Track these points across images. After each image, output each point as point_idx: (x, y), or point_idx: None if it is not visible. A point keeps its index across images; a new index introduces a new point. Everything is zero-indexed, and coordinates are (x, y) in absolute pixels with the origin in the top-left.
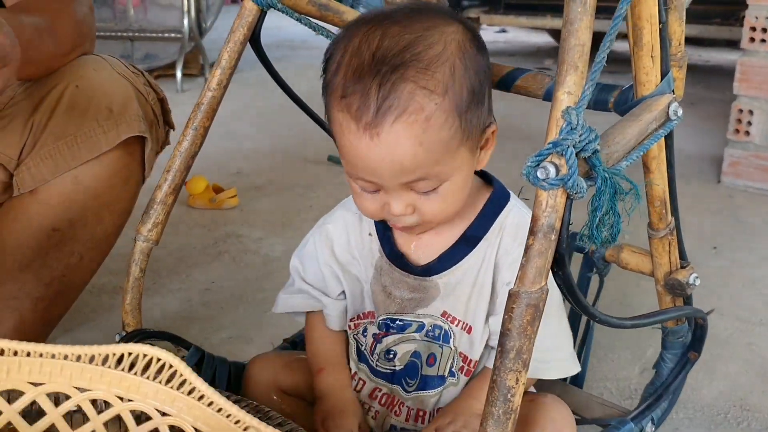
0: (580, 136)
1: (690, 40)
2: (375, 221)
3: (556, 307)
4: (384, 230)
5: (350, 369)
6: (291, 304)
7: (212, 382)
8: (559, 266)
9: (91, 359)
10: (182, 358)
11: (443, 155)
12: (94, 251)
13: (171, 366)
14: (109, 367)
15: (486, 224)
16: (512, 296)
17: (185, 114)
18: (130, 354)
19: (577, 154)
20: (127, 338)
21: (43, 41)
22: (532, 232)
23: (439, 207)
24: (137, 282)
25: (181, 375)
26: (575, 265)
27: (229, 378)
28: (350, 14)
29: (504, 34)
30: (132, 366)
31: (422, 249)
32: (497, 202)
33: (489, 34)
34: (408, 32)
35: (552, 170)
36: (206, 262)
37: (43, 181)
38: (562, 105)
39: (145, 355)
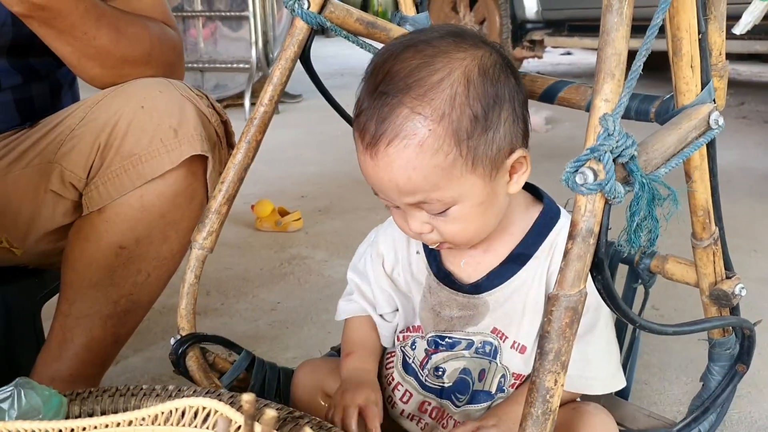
0: (617, 142)
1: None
2: None
3: (603, 323)
4: (431, 249)
5: (394, 379)
6: (348, 310)
7: (262, 386)
8: (597, 270)
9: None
10: (233, 362)
11: (443, 180)
12: (160, 269)
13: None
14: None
15: (536, 242)
16: (551, 299)
17: None
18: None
19: (614, 160)
20: (182, 341)
21: (101, 28)
22: (571, 236)
23: (456, 229)
24: (192, 288)
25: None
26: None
27: (278, 383)
28: (396, 31)
29: (569, 56)
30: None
31: (470, 267)
32: (547, 220)
33: (554, 56)
34: (417, 58)
35: (590, 175)
36: (272, 284)
37: (110, 199)
38: (599, 112)
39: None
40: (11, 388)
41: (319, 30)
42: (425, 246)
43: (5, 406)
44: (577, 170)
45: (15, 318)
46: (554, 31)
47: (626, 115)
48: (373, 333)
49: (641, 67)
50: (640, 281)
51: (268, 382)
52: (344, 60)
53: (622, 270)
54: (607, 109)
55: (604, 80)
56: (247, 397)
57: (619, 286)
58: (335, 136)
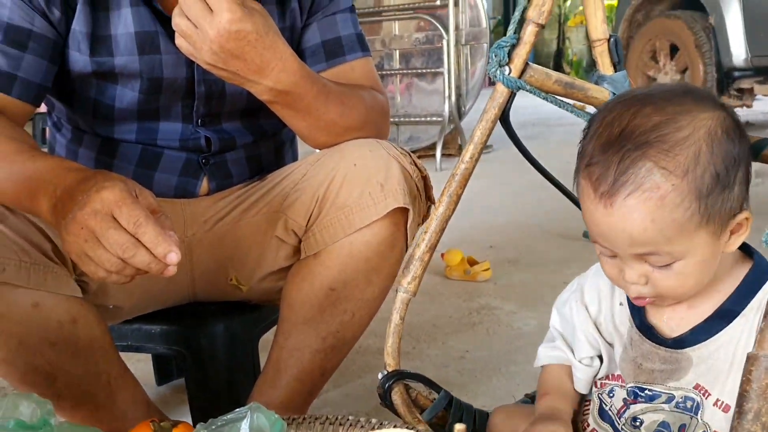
0: None
1: None
2: None
3: None
4: None
5: (589, 425)
6: (549, 357)
7: None
8: None
9: None
10: (433, 399)
11: (677, 235)
12: (363, 311)
13: None
14: None
15: (744, 300)
16: (750, 359)
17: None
18: None
19: None
20: (389, 377)
21: (329, 104)
22: None
23: (674, 283)
24: (397, 328)
25: None
26: None
27: (474, 424)
28: (594, 90)
29: None
30: None
31: (674, 321)
32: (757, 278)
33: (764, 104)
34: (659, 114)
35: None
36: (461, 332)
37: (325, 245)
38: None
39: None
40: (246, 410)
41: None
42: (629, 298)
43: (241, 425)
44: None
45: (237, 347)
46: (765, 79)
47: None
48: (571, 380)
49: None
50: None
51: (465, 422)
52: (534, 111)
53: None
54: None
55: None
56: (459, 427)
57: None
58: (525, 187)
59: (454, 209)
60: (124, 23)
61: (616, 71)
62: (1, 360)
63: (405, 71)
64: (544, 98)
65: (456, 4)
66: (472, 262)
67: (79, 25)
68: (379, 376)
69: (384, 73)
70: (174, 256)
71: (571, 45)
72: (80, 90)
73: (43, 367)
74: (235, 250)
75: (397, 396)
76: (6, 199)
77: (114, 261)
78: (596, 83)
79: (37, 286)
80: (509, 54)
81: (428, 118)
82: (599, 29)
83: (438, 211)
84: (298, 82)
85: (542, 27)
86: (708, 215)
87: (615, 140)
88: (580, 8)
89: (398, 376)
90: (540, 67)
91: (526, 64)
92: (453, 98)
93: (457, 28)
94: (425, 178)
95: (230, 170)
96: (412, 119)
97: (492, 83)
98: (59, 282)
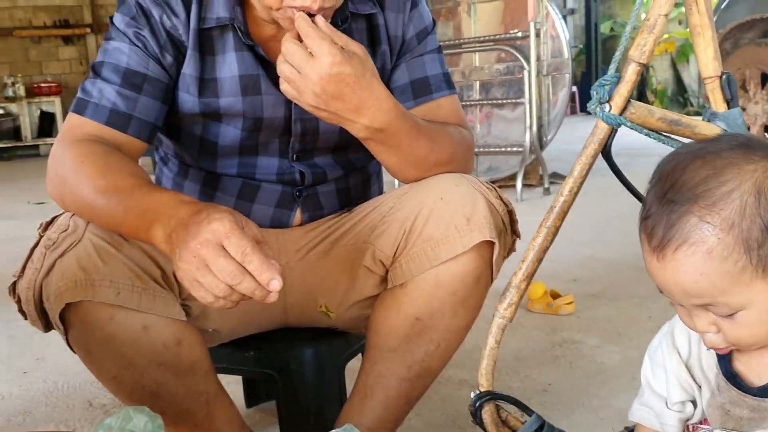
0: None
1: None
2: None
3: None
4: None
5: None
6: (638, 416)
7: None
8: None
9: None
10: (524, 422)
11: (731, 286)
12: (448, 341)
13: None
14: None
15: None
16: None
17: (524, 221)
18: None
19: None
20: (480, 396)
21: (419, 140)
22: None
23: (744, 333)
24: (492, 351)
25: None
26: None
27: None
28: (703, 128)
29: None
30: None
31: (761, 368)
32: None
33: None
34: (707, 168)
35: None
36: (543, 365)
37: (411, 276)
38: None
39: None
40: (341, 430)
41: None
42: None
43: None
44: None
45: (325, 372)
46: None
47: None
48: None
49: None
50: None
51: None
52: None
53: None
54: None
55: None
56: None
57: None
58: (610, 219)
59: (551, 240)
60: (230, 67)
61: (729, 108)
62: (112, 378)
63: (485, 101)
64: (646, 135)
65: (537, 35)
66: (555, 296)
67: (188, 69)
68: (471, 395)
69: (464, 103)
70: (276, 284)
71: (655, 73)
72: (188, 128)
73: (149, 385)
74: (325, 279)
75: (487, 415)
76: (124, 229)
77: (222, 287)
78: (709, 120)
79: (147, 310)
80: (610, 92)
81: (508, 149)
82: (710, 66)
83: (536, 242)
84: (392, 120)
85: (644, 66)
86: (763, 267)
87: (666, 194)
88: (665, 36)
89: (490, 396)
90: (642, 104)
91: (627, 101)
92: (534, 129)
93: (538, 59)
94: (511, 213)
95: (321, 202)
96: (492, 149)
97: (574, 112)
98: (167, 306)
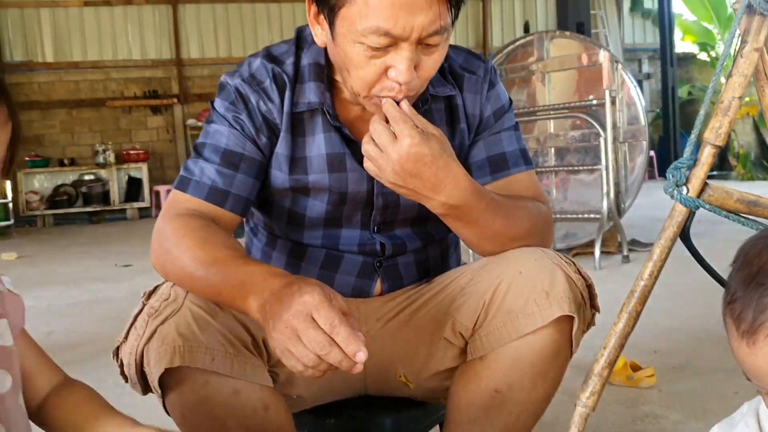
0: None
1: None
2: None
3: None
4: None
5: None
6: None
7: None
8: None
9: None
10: None
11: None
12: (528, 413)
13: None
14: None
15: None
16: None
17: (603, 291)
18: None
19: None
20: None
21: (496, 216)
22: None
23: None
24: None
25: None
26: None
27: None
28: None
29: None
30: None
31: None
32: None
33: None
34: None
35: None
36: None
37: (491, 349)
38: None
39: None
40: None
41: None
42: None
43: None
44: None
45: None
46: None
47: None
48: None
49: None
50: None
51: None
52: None
53: None
54: None
55: None
56: None
57: None
58: (690, 288)
59: (633, 326)
60: (318, 146)
61: None
62: None
63: (560, 167)
64: (725, 216)
65: (613, 102)
66: (635, 368)
67: (281, 148)
68: None
69: (539, 169)
70: (362, 355)
71: (737, 137)
72: (278, 201)
73: None
74: (405, 349)
75: None
76: (221, 298)
77: (312, 357)
78: None
79: (238, 375)
80: (686, 174)
81: (585, 215)
82: None
83: (617, 327)
84: (468, 198)
85: (720, 149)
86: None
87: (754, 278)
88: (747, 99)
89: None
90: (719, 185)
91: (705, 183)
92: (612, 195)
93: (614, 126)
94: (590, 287)
95: (401, 273)
96: (569, 216)
97: (652, 177)
98: (256, 372)
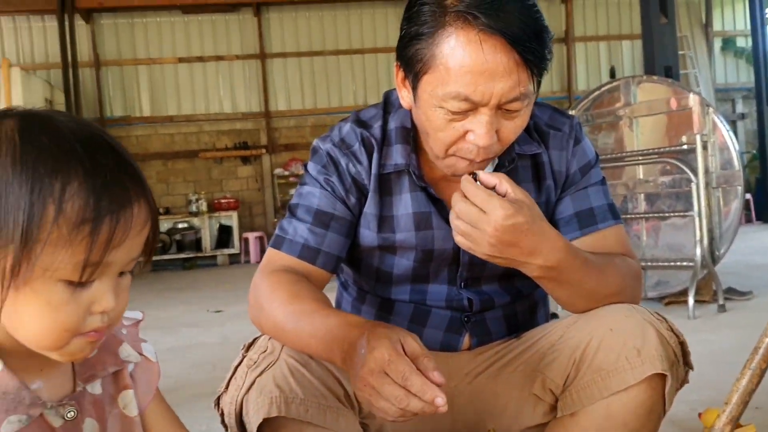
0: None
1: None
2: None
3: None
4: None
5: None
6: None
7: None
8: None
9: None
10: None
11: None
12: None
13: None
14: None
15: None
16: None
17: (698, 340)
18: None
19: None
20: None
21: (589, 275)
22: None
23: None
24: None
25: None
26: None
27: None
28: None
29: None
30: None
31: None
32: None
33: None
34: None
35: None
36: None
37: (582, 406)
38: None
39: None
40: None
41: None
42: None
43: None
44: None
45: None
46: None
47: None
48: None
49: None
50: None
51: None
52: None
53: None
54: None
55: None
56: None
57: None
58: None
59: (757, 383)
60: (404, 205)
61: None
62: None
63: (651, 214)
64: None
65: (704, 147)
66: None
67: (369, 208)
68: None
69: (628, 216)
70: (440, 401)
71: None
72: (366, 259)
73: None
74: (494, 404)
75: None
76: (311, 350)
77: (394, 409)
78: None
79: (331, 427)
80: None
81: (678, 262)
82: None
83: (740, 384)
84: (564, 258)
85: None
86: None
87: None
88: None
89: None
90: None
91: None
92: (705, 242)
93: (706, 171)
94: (682, 344)
95: (489, 328)
96: (660, 263)
97: (749, 221)
98: (348, 424)
